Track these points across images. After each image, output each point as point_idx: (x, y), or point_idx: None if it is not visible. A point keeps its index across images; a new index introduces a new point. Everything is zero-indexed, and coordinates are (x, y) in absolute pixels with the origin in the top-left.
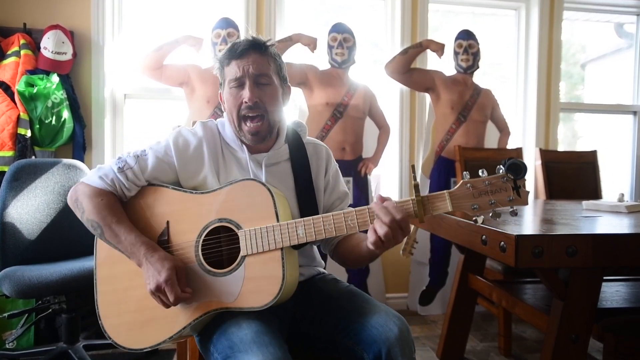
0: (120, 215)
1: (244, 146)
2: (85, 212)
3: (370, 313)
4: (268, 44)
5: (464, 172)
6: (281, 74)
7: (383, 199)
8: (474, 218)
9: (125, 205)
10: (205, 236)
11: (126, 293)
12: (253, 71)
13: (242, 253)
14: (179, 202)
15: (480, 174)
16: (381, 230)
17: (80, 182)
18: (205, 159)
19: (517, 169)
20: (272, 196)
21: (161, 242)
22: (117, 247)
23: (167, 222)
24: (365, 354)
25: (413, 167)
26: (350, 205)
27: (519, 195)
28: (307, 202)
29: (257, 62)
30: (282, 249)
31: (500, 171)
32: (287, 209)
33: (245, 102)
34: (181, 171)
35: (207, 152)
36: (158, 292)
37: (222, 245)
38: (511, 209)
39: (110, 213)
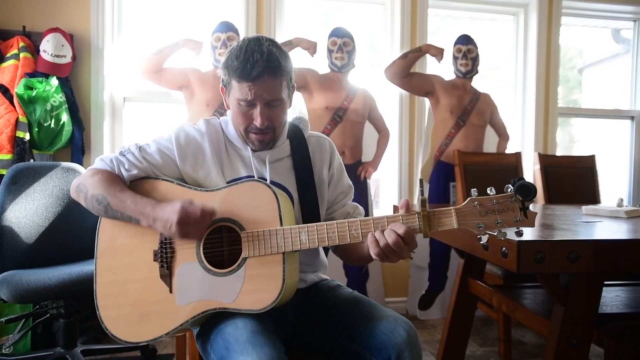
0: (123, 185)
1: (247, 145)
2: (89, 190)
3: (378, 318)
4: (283, 63)
5: (472, 189)
6: (290, 83)
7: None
8: (478, 236)
9: None
10: (208, 235)
11: (126, 286)
12: (266, 97)
13: (243, 254)
14: (183, 198)
15: (488, 192)
16: (380, 242)
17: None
18: (207, 155)
19: (527, 190)
20: (277, 200)
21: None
22: (124, 214)
23: None
24: (374, 359)
25: (422, 181)
26: None
27: (526, 217)
28: (308, 197)
29: (270, 87)
30: (284, 253)
31: (509, 191)
32: (292, 214)
33: (257, 126)
34: (182, 165)
35: (209, 148)
36: (183, 221)
37: (223, 245)
38: (517, 230)
39: (113, 184)
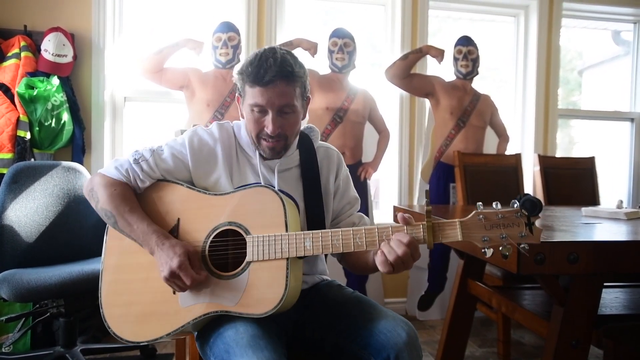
0: (133, 204)
1: (257, 152)
2: (100, 201)
3: (378, 319)
4: (296, 69)
5: (478, 203)
6: (304, 92)
7: (404, 220)
8: (482, 250)
9: (139, 197)
10: (214, 238)
11: (130, 285)
12: (278, 103)
13: (248, 258)
14: (191, 201)
15: (494, 206)
16: (390, 256)
17: (97, 173)
18: (219, 160)
19: (532, 205)
20: (284, 205)
21: None
22: (130, 235)
23: (178, 220)
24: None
25: (427, 192)
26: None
27: (532, 232)
28: (314, 207)
29: (283, 93)
30: (287, 259)
31: (515, 206)
32: (297, 220)
33: (268, 133)
34: (194, 170)
35: (221, 153)
36: (172, 277)
37: (228, 249)
38: (521, 245)
39: (123, 202)
